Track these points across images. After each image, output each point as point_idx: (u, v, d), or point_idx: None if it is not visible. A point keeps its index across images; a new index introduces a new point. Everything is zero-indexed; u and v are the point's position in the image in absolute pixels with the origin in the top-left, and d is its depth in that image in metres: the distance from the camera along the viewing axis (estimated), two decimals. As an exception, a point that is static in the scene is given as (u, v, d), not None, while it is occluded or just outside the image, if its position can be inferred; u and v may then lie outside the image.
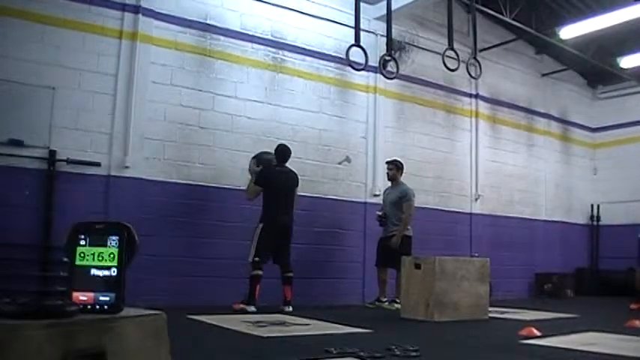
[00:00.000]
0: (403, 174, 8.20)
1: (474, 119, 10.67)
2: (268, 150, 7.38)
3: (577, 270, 11.98)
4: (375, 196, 8.87)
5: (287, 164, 7.35)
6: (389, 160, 8.29)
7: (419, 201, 8.23)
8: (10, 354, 1.41)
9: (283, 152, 7.31)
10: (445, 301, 6.29)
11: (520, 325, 5.50)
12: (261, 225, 6.96)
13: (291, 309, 6.85)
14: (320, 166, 8.58)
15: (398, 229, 7.74)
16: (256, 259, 6.84)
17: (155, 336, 1.76)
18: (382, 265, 7.91)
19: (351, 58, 7.48)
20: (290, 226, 7.19)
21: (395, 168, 8.12)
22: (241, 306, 6.68)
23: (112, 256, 1.76)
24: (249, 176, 7.22)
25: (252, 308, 6.66)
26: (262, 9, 8.26)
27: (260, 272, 6.84)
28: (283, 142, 7.60)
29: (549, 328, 5.46)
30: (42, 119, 6.56)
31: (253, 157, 7.26)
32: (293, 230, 7.24)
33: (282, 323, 5.69)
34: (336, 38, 8.81)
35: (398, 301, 7.32)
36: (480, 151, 10.64)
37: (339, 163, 8.78)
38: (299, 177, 7.52)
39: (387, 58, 7.87)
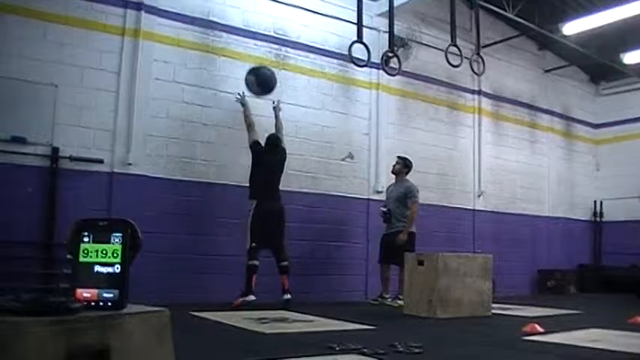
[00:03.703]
0: (409, 172, 8.18)
1: (476, 116, 10.66)
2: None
3: (580, 266, 11.97)
4: (378, 192, 8.86)
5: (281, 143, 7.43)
6: (401, 155, 8.29)
7: (422, 197, 8.21)
8: (13, 351, 1.42)
9: (273, 143, 7.29)
10: (448, 298, 6.30)
11: (523, 322, 5.51)
12: (253, 206, 6.96)
13: (289, 296, 6.83)
14: (323, 163, 8.57)
15: (404, 225, 7.73)
16: (253, 244, 6.84)
17: (158, 332, 1.77)
18: (385, 261, 7.89)
19: (354, 55, 7.47)
20: (280, 210, 7.15)
21: (402, 164, 8.11)
22: (240, 299, 6.66)
23: (115, 253, 1.76)
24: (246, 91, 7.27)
25: (252, 297, 6.63)
26: (265, 6, 8.25)
27: (256, 262, 6.83)
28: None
29: (552, 325, 5.47)
30: (44, 116, 6.56)
31: (250, 75, 7.21)
32: (285, 215, 7.18)
33: (285, 320, 5.70)
34: (338, 35, 8.79)
35: (401, 297, 7.33)
36: (482, 147, 10.63)
37: (342, 160, 8.77)
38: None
39: (390, 54, 7.87)
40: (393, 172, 8.22)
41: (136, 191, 6.94)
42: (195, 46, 7.65)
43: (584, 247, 12.37)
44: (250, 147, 7.22)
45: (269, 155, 7.23)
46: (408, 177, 8.14)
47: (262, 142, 7.25)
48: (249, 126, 7.27)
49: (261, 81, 7.15)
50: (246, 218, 7.03)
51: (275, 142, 7.33)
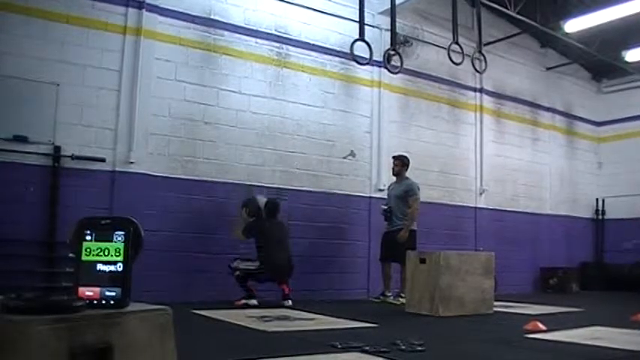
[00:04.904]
0: (409, 169, 8.17)
1: (478, 113, 10.65)
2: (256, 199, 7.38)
3: (582, 264, 11.96)
4: (380, 190, 8.86)
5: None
6: (395, 155, 8.28)
7: (424, 195, 8.21)
8: (16, 350, 1.42)
9: (273, 209, 7.26)
10: (450, 296, 6.29)
11: (525, 320, 5.50)
12: (257, 263, 6.89)
13: (290, 303, 6.85)
14: (324, 161, 8.57)
15: (405, 223, 7.72)
16: (240, 283, 6.82)
17: (161, 331, 1.77)
18: (386, 259, 7.90)
19: (356, 53, 7.46)
20: (291, 267, 7.12)
21: (400, 163, 8.10)
22: (243, 302, 6.69)
23: (117, 251, 1.76)
24: (241, 219, 7.21)
25: (254, 301, 6.67)
26: (266, 4, 8.24)
27: (238, 273, 6.84)
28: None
29: (554, 323, 5.46)
30: (46, 115, 6.57)
31: (244, 206, 7.23)
32: (293, 270, 7.19)
33: (287, 318, 5.70)
34: (340, 33, 8.79)
35: (403, 295, 7.33)
36: (484, 145, 10.62)
37: (344, 158, 8.77)
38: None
39: (392, 52, 7.87)
40: (394, 174, 8.20)
41: (138, 190, 6.94)
42: (197, 44, 7.65)
43: (586, 245, 12.36)
44: (247, 234, 7.10)
45: (270, 225, 7.15)
46: (408, 175, 8.13)
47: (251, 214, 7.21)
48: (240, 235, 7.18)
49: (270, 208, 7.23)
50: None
51: (273, 208, 7.25)
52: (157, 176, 7.17)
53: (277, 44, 8.29)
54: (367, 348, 3.76)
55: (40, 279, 6.29)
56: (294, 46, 8.45)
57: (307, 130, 8.44)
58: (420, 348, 3.88)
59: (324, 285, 8.28)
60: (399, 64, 7.95)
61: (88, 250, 1.77)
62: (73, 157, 6.65)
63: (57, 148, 6.59)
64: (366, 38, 7.54)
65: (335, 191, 8.62)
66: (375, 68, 8.98)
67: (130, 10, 7.17)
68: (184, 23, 7.56)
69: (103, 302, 1.71)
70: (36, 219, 6.42)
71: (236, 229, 7.14)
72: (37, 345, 1.44)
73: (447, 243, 9.25)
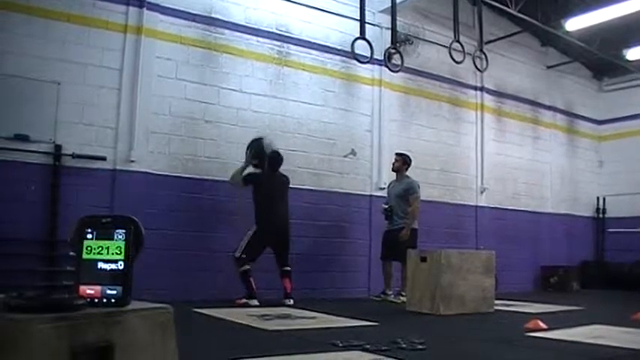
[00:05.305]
0: (409, 168, 8.17)
1: (479, 112, 10.64)
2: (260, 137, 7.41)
3: (582, 263, 11.96)
4: (381, 189, 8.86)
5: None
6: (399, 152, 8.28)
7: (424, 194, 8.21)
8: (17, 348, 1.42)
9: (276, 161, 7.27)
10: (451, 294, 6.29)
11: (526, 318, 5.50)
12: (255, 227, 6.95)
13: (292, 302, 6.86)
14: (325, 160, 8.57)
15: (406, 222, 7.72)
16: (243, 255, 6.83)
17: (162, 329, 1.77)
18: (387, 258, 7.90)
19: (356, 51, 7.46)
20: (287, 230, 7.17)
21: (401, 161, 8.10)
22: (244, 301, 6.69)
23: (118, 249, 1.76)
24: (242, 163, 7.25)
25: (255, 302, 6.66)
26: (267, 2, 8.24)
27: (248, 267, 6.83)
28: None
29: (555, 321, 5.46)
30: (47, 114, 6.57)
31: (248, 147, 7.25)
32: (290, 233, 7.23)
33: (288, 316, 5.71)
34: (341, 31, 8.78)
35: (404, 294, 7.33)
36: (485, 143, 10.61)
37: (345, 157, 8.77)
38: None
39: (392, 50, 7.86)
40: (393, 170, 8.21)
41: (139, 188, 6.95)
42: (198, 43, 7.65)
43: (586, 244, 12.35)
44: (246, 182, 7.14)
45: (268, 180, 7.18)
46: (408, 173, 8.13)
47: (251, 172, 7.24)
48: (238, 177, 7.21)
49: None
50: (252, 216, 7.04)
51: (276, 160, 7.26)
52: (157, 175, 7.18)
53: (278, 43, 8.29)
54: (368, 346, 3.76)
55: (40, 278, 6.29)
56: (294, 44, 8.45)
57: (308, 128, 8.44)
58: (420, 346, 3.89)
59: (325, 283, 8.29)
60: (399, 62, 7.95)
61: (89, 248, 1.77)
62: (73, 156, 6.65)
63: (58, 147, 6.59)
64: (367, 37, 7.55)
65: (336, 190, 8.62)
66: (376, 67, 8.98)
67: (131, 8, 7.16)
68: (185, 22, 7.56)
69: (104, 301, 1.72)
70: (37, 218, 6.42)
71: (235, 172, 7.18)
72: (38, 344, 1.44)
73: (448, 242, 9.25)
